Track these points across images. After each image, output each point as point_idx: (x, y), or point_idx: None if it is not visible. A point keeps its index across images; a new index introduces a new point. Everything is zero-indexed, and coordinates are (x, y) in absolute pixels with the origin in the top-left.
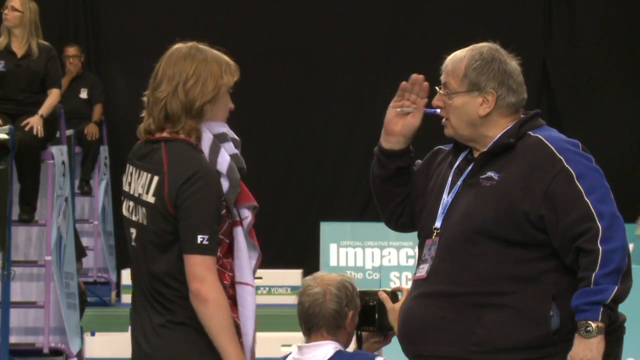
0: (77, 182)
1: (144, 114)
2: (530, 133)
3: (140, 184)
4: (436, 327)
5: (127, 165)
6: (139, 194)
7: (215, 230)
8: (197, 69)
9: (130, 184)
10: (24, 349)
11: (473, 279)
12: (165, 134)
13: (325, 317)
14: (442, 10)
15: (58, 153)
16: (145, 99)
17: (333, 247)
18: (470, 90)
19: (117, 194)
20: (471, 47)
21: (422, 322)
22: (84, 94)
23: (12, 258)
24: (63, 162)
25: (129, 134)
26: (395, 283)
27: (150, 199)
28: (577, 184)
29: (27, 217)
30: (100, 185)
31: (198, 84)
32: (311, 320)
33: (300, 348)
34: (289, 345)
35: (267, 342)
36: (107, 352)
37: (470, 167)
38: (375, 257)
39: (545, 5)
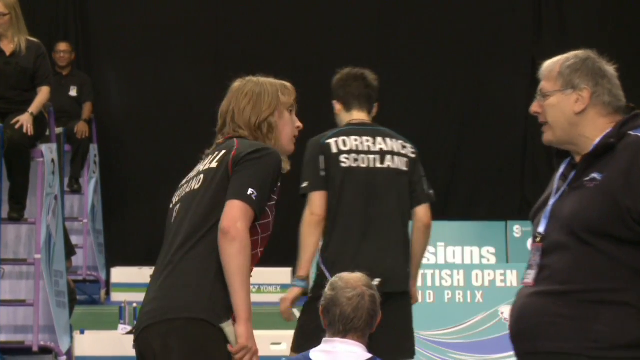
0: (66, 180)
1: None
2: (631, 133)
3: (206, 162)
4: (552, 323)
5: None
6: (199, 170)
7: (264, 194)
8: (249, 92)
9: (190, 175)
10: (14, 347)
11: (586, 276)
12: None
13: (366, 318)
14: (433, 10)
15: (48, 151)
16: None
17: None
18: (564, 88)
19: (107, 192)
20: (567, 53)
21: (537, 319)
22: (73, 92)
23: (1, 256)
24: (53, 160)
25: (119, 132)
26: None
27: (213, 164)
28: None
29: (17, 215)
30: (90, 183)
31: (250, 104)
32: (351, 323)
33: (329, 342)
34: (279, 344)
35: (256, 340)
36: (96, 351)
37: (574, 173)
38: None
39: (534, 3)
